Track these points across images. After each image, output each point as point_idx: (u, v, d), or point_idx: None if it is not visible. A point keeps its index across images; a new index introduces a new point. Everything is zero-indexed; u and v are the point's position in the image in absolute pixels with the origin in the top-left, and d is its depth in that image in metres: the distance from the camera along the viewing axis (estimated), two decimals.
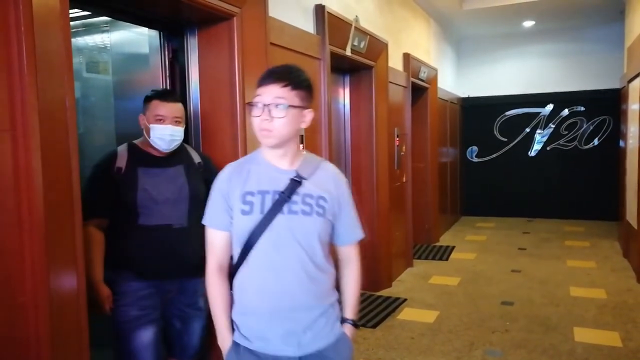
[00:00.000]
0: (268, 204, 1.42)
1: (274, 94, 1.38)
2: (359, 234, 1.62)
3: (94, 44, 3.03)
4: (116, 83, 2.93)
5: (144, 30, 2.58)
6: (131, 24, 2.57)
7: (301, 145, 3.28)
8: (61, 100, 1.51)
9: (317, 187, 1.48)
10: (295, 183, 1.45)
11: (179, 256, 2.06)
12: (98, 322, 1.82)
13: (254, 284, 1.44)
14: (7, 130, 1.35)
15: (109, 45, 2.96)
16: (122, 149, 2.07)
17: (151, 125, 2.02)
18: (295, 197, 1.44)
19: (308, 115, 1.47)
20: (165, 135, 2.02)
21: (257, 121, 1.39)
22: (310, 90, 1.48)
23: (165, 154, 2.09)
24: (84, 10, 2.33)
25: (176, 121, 2.05)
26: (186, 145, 2.27)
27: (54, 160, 1.46)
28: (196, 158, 2.23)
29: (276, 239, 1.41)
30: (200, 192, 2.10)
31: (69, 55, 1.54)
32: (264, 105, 1.38)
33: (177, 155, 2.13)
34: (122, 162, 2.02)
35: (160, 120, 2.01)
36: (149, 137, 2.03)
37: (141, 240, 2.00)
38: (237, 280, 1.47)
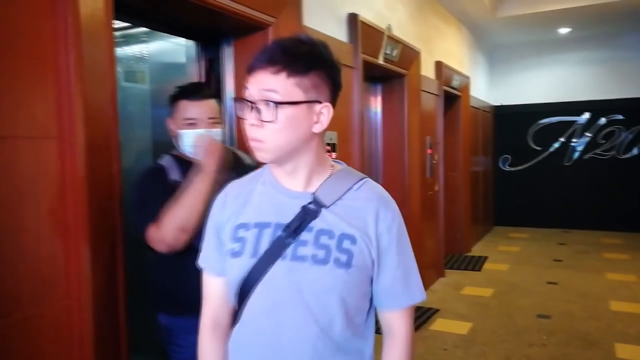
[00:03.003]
0: (265, 243, 1.00)
1: (261, 85, 0.95)
2: (411, 297, 1.07)
3: (133, 54, 3.11)
4: (153, 92, 3.00)
5: (181, 40, 2.63)
6: (169, 35, 2.62)
7: (332, 155, 3.32)
8: (105, 108, 1.55)
9: (342, 220, 1.00)
10: (308, 213, 1.00)
11: None
12: (137, 327, 1.85)
13: (244, 357, 1.04)
14: (54, 137, 1.39)
15: (147, 55, 3.03)
16: (168, 161, 1.72)
17: (181, 132, 1.67)
18: (305, 235, 0.99)
19: (324, 112, 0.99)
20: (199, 141, 1.66)
21: (246, 126, 0.98)
22: (326, 72, 0.98)
23: None
24: (125, 21, 2.39)
25: (212, 122, 1.69)
26: (232, 148, 1.92)
27: (97, 167, 1.50)
28: (247, 159, 1.84)
29: (272, 297, 0.98)
30: None
31: (113, 65, 1.59)
32: (251, 103, 0.96)
33: (227, 159, 1.74)
34: (175, 173, 1.67)
35: (192, 124, 1.67)
36: (180, 144, 1.69)
37: None
38: (230, 340, 1.08)
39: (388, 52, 3.84)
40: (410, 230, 3.99)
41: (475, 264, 5.88)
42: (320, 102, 0.98)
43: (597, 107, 7.67)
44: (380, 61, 3.76)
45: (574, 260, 5.94)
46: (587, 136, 7.80)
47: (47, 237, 1.38)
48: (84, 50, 1.44)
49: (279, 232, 0.99)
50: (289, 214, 1.00)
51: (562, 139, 7.96)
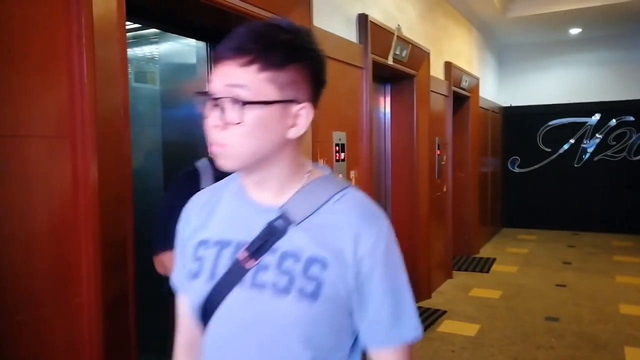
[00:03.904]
0: (224, 264, 0.85)
1: (227, 79, 0.78)
2: (402, 333, 0.86)
3: (143, 55, 3.14)
4: (163, 92, 3.02)
5: (192, 41, 2.65)
6: (179, 36, 2.64)
7: (340, 156, 3.32)
8: (117, 109, 1.56)
9: (313, 239, 0.83)
10: (273, 231, 0.84)
11: None
12: (146, 326, 1.87)
13: None
14: (67, 137, 1.41)
15: (157, 56, 3.05)
16: (204, 166, 1.64)
17: None
18: (268, 258, 0.83)
19: (303, 114, 0.83)
20: None
21: (207, 127, 0.82)
22: (308, 67, 0.82)
23: None
24: (136, 22, 2.41)
25: None
26: None
27: (109, 166, 1.52)
28: None
29: (227, 330, 0.84)
30: None
31: (125, 66, 1.60)
32: (213, 99, 0.79)
33: None
34: (207, 180, 1.57)
35: None
36: None
37: None
38: None
39: (397, 52, 3.84)
40: (419, 231, 3.96)
41: (484, 265, 5.85)
42: (298, 102, 0.82)
43: (607, 109, 7.61)
44: (390, 62, 3.75)
45: (584, 263, 5.90)
46: (598, 138, 7.75)
47: (58, 235, 1.40)
48: (96, 51, 1.45)
49: (239, 253, 0.84)
50: (254, 232, 0.85)
51: (572, 141, 7.91)
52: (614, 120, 7.63)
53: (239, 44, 0.78)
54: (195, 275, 0.88)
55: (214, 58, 0.81)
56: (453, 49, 5.52)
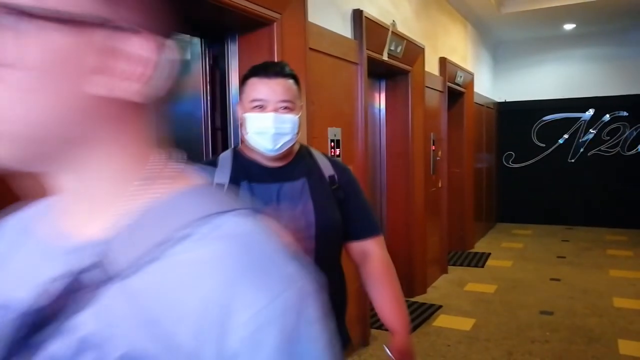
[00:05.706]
0: None
1: None
2: None
3: None
4: None
5: (186, 37, 2.64)
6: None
7: (336, 152, 3.33)
8: None
9: (139, 315, 0.41)
10: (76, 291, 0.42)
11: None
12: None
13: None
14: None
15: None
16: (225, 157, 1.41)
17: (246, 115, 1.35)
18: (55, 346, 0.42)
19: (147, 56, 0.44)
20: (266, 127, 1.32)
21: None
22: None
23: (279, 162, 1.39)
24: None
25: (284, 107, 1.34)
26: (312, 150, 1.54)
27: None
28: (327, 169, 1.48)
29: None
30: (332, 219, 1.41)
31: None
32: None
33: (299, 164, 1.43)
34: (223, 176, 1.35)
35: (259, 107, 1.34)
36: (246, 133, 1.37)
37: None
38: None
39: (392, 48, 3.84)
40: (414, 226, 3.97)
41: (479, 260, 5.88)
42: (134, 32, 0.44)
43: (601, 104, 7.65)
44: (385, 57, 3.76)
45: (578, 257, 5.94)
46: (592, 133, 7.79)
47: None
48: None
49: (14, 331, 0.44)
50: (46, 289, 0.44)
51: (566, 136, 7.94)
52: (607, 116, 7.67)
53: None
54: None
55: None
56: (448, 44, 5.52)
